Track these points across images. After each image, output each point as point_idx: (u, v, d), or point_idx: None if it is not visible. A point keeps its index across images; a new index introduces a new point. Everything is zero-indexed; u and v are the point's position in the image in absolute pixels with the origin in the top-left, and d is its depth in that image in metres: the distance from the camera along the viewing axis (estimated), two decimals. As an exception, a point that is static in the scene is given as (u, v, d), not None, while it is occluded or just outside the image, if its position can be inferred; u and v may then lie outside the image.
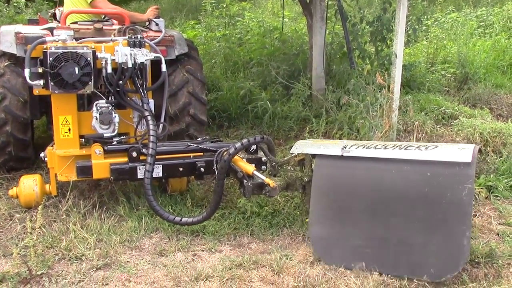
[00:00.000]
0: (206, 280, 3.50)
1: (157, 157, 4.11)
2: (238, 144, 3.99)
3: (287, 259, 3.80)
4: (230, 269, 3.64)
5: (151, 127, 4.19)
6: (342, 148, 3.80)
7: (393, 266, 3.55)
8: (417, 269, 3.47)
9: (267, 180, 3.94)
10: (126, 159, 4.17)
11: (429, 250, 3.46)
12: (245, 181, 4.00)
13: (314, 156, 4.02)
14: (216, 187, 4.01)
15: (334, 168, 3.85)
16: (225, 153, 4.06)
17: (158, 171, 4.20)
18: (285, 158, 4.30)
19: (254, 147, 4.35)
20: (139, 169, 4.13)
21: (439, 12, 12.36)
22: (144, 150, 4.12)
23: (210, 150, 4.32)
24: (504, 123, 6.33)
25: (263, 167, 4.34)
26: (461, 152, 3.43)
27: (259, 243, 4.10)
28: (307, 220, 4.23)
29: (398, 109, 5.98)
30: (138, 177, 4.16)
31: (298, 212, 4.44)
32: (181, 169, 4.29)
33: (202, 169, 4.28)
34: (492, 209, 4.73)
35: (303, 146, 4.15)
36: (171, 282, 3.48)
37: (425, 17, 7.54)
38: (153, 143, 4.08)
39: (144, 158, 4.10)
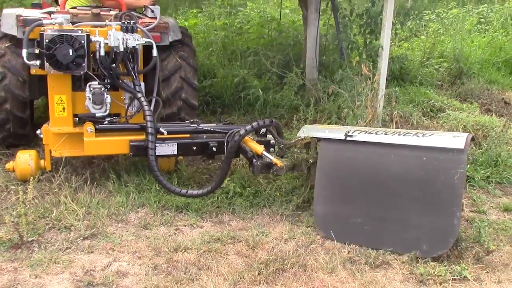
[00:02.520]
0: (184, 252, 3.74)
1: (172, 136, 4.48)
2: (248, 126, 4.33)
3: (263, 235, 4.04)
4: (208, 242, 3.88)
5: (145, 107, 4.44)
6: (345, 133, 4.07)
7: (389, 243, 3.82)
8: (411, 246, 3.74)
9: (274, 160, 4.26)
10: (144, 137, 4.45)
11: (423, 228, 3.74)
12: (254, 160, 4.31)
13: (319, 139, 4.30)
14: (224, 164, 4.35)
15: (338, 151, 4.13)
16: (236, 134, 4.35)
17: (173, 149, 4.51)
18: (292, 141, 4.57)
19: (263, 130, 4.65)
20: (156, 146, 4.42)
21: (441, 8, 12.47)
22: (161, 129, 4.44)
23: (221, 132, 4.61)
24: (489, 117, 6.51)
25: (271, 149, 4.63)
26: (455, 139, 3.70)
27: (239, 221, 4.33)
28: (286, 199, 4.51)
29: (386, 100, 6.18)
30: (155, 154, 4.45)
31: (278, 194, 4.67)
32: (194, 148, 4.60)
33: (214, 148, 4.57)
34: (466, 198, 4.94)
35: (310, 130, 4.42)
36: (151, 252, 3.72)
37: (417, 12, 7.66)
38: (151, 122, 4.34)
39: (161, 137, 4.43)
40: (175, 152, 4.53)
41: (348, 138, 4.05)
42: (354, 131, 4.09)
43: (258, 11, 9.92)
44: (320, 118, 6.36)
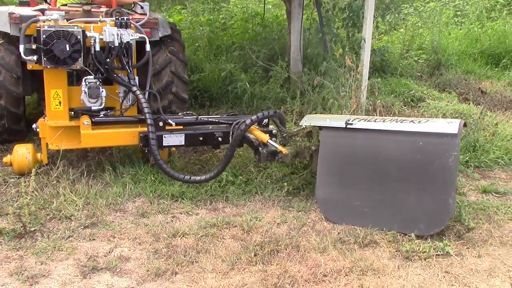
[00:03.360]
0: (182, 237, 3.92)
1: (180, 127, 4.71)
2: (254, 117, 4.55)
3: (256, 220, 4.23)
4: (205, 228, 4.07)
5: (142, 99, 4.61)
6: (346, 121, 4.32)
7: (388, 223, 4.04)
8: (409, 225, 3.97)
9: (280, 148, 4.51)
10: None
11: (420, 208, 3.98)
12: (260, 148, 4.56)
13: (321, 128, 4.52)
14: (228, 151, 4.59)
15: (339, 138, 4.38)
16: (242, 123, 4.57)
17: (180, 140, 4.70)
18: (295, 130, 4.82)
19: (266, 120, 4.85)
20: (165, 137, 4.62)
21: (419, 1, 12.77)
22: (169, 121, 4.65)
23: (226, 123, 4.83)
24: (466, 105, 6.80)
25: (273, 138, 4.81)
26: (449, 125, 3.95)
27: (233, 207, 4.52)
28: (277, 186, 4.71)
29: (369, 91, 6.42)
30: (164, 145, 4.66)
31: (269, 181, 4.87)
32: (201, 138, 4.79)
33: (219, 138, 4.75)
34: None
35: (312, 119, 4.66)
36: (151, 238, 3.89)
37: (396, 6, 7.91)
38: (149, 113, 4.53)
39: (169, 128, 4.65)
40: (183, 143, 4.73)
41: (348, 126, 4.29)
42: (354, 119, 4.34)
43: (241, 7, 10.10)
44: (306, 109, 6.57)
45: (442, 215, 3.92)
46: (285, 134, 4.76)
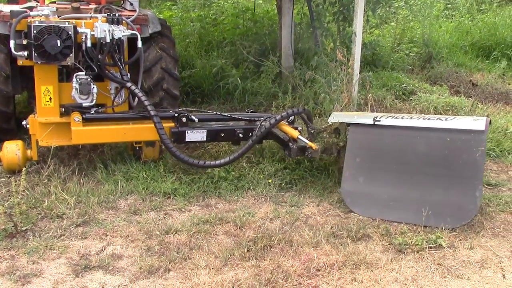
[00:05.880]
0: (175, 234, 3.91)
1: (201, 123, 4.83)
2: (284, 113, 4.75)
3: (249, 216, 4.23)
4: (198, 224, 4.06)
5: (139, 94, 4.64)
6: (373, 118, 4.45)
7: (414, 217, 4.11)
8: (436, 219, 4.05)
9: (310, 143, 4.62)
10: (173, 124, 4.75)
11: (446, 202, 4.07)
12: (290, 143, 4.68)
13: (348, 124, 4.64)
14: (251, 142, 4.68)
15: (366, 134, 4.50)
16: (272, 118, 4.71)
17: (202, 135, 4.78)
18: (322, 127, 4.95)
19: (292, 117, 4.95)
20: (187, 133, 4.69)
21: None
22: (192, 117, 4.74)
23: (248, 120, 4.95)
24: (458, 98, 6.82)
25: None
26: (476, 122, 4.13)
27: (225, 203, 4.51)
28: (270, 181, 4.74)
29: (360, 85, 6.42)
30: (186, 140, 4.72)
31: (262, 176, 4.87)
32: (222, 134, 4.86)
33: (240, 135, 4.82)
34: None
35: (339, 117, 4.77)
36: (144, 236, 3.88)
37: (387, 0, 7.92)
38: (150, 105, 4.57)
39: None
40: (205, 139, 4.81)
41: (376, 123, 4.40)
42: (381, 117, 4.47)
43: (232, 2, 10.06)
44: (297, 104, 6.56)
45: (469, 208, 4.02)
46: (312, 131, 4.84)
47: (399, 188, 4.26)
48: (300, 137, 4.70)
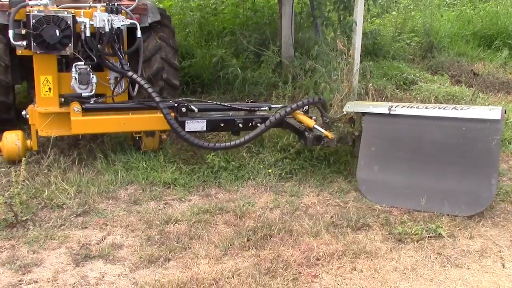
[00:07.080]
0: (175, 223, 3.92)
1: (202, 113, 4.83)
2: (300, 102, 4.80)
3: (249, 205, 4.24)
4: (198, 214, 4.06)
5: (142, 82, 4.63)
6: (389, 107, 4.49)
7: (429, 205, 4.14)
8: (451, 206, 4.08)
9: (325, 132, 4.67)
10: (172, 114, 4.67)
11: (462, 190, 4.12)
12: (306, 133, 4.72)
13: (363, 114, 4.68)
14: (264, 127, 4.69)
15: (381, 124, 4.56)
16: (288, 106, 4.77)
17: (202, 125, 4.77)
18: (337, 116, 4.97)
19: (306, 107, 4.93)
20: (187, 123, 4.68)
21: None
22: (192, 107, 4.76)
23: (248, 110, 4.95)
24: (459, 87, 6.79)
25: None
26: (492, 112, 4.19)
27: (225, 193, 4.51)
28: (270, 171, 4.74)
29: (361, 74, 6.40)
30: (186, 130, 4.69)
31: (262, 166, 4.87)
32: (222, 124, 4.85)
33: (240, 125, 4.82)
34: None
35: (355, 106, 4.81)
36: (144, 225, 3.89)
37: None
38: (154, 92, 4.58)
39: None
40: (204, 128, 4.80)
41: (391, 112, 4.43)
42: (397, 106, 4.48)
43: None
44: (298, 94, 6.55)
45: (485, 196, 4.06)
46: (327, 120, 4.86)
47: (414, 177, 4.31)
48: (316, 126, 4.72)
